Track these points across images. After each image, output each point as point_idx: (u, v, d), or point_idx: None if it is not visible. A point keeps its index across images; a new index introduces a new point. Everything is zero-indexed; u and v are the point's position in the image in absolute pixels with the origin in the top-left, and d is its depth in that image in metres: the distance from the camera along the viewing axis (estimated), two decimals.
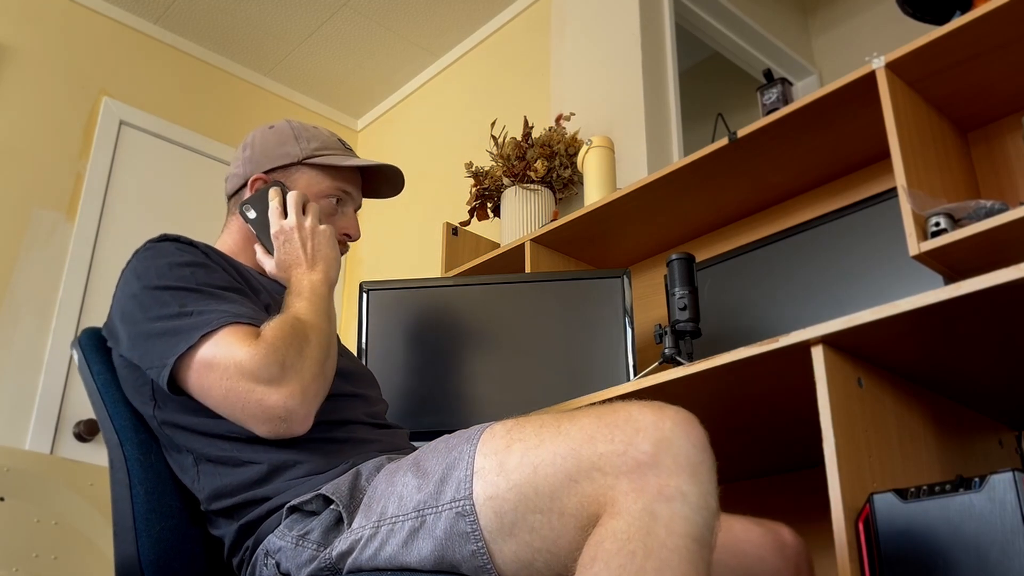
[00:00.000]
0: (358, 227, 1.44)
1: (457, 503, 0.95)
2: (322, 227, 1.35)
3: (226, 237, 1.41)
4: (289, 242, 1.32)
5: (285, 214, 1.34)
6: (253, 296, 1.24)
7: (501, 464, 0.94)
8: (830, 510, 1.17)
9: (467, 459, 0.97)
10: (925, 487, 1.12)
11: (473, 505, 0.94)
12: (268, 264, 1.33)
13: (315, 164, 1.40)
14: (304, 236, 1.33)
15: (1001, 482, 1.05)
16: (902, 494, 1.13)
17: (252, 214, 1.35)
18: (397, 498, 1.01)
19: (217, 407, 1.12)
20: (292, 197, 1.35)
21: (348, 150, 1.46)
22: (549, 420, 0.96)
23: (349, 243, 1.44)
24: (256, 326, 1.14)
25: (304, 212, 1.35)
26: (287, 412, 1.10)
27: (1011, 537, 1.02)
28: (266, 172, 1.39)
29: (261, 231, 1.34)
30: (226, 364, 1.10)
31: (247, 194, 1.39)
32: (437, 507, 0.97)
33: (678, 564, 0.83)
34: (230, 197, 1.44)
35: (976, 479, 1.07)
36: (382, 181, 1.51)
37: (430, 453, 1.04)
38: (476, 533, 0.93)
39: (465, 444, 0.99)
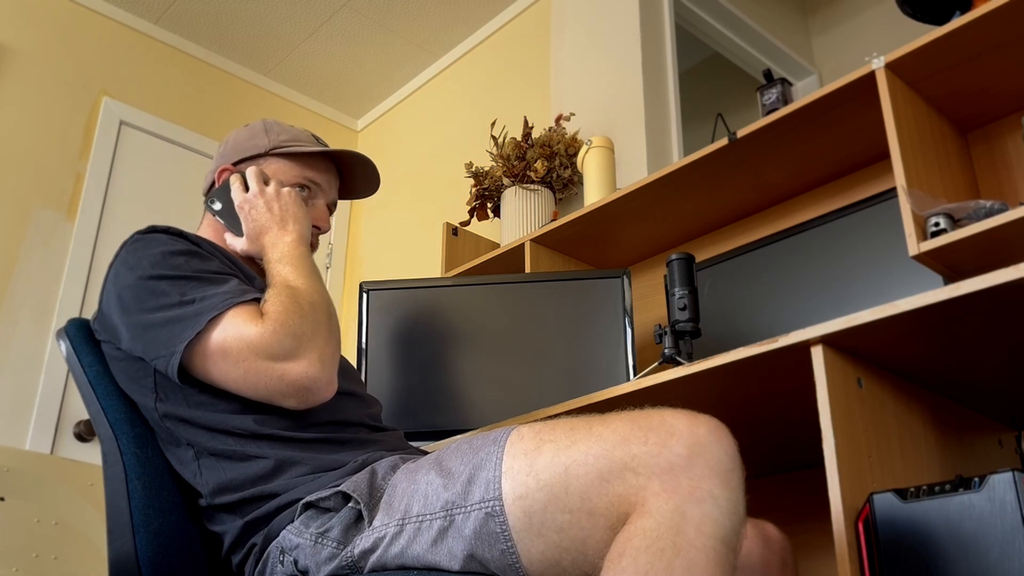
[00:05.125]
0: (328, 219, 1.42)
1: (487, 503, 0.95)
2: (285, 189, 1.35)
3: (200, 232, 1.40)
4: (255, 209, 1.31)
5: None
6: (247, 281, 1.24)
7: (531, 464, 0.95)
8: (830, 510, 1.17)
9: (495, 460, 0.98)
10: (925, 487, 1.12)
11: (502, 505, 0.94)
12: (239, 244, 1.32)
13: (282, 154, 1.40)
14: (268, 199, 1.32)
15: (1001, 482, 1.05)
16: (902, 494, 1.13)
17: (218, 205, 1.35)
18: (422, 497, 1.01)
19: (239, 389, 1.13)
20: (251, 171, 1.35)
21: (321, 144, 1.45)
22: (580, 423, 0.97)
23: (319, 236, 1.43)
24: (258, 303, 1.15)
25: (266, 183, 1.35)
26: (311, 381, 1.12)
27: (1011, 537, 1.02)
28: (234, 164, 1.40)
29: (228, 218, 1.34)
30: (239, 347, 1.10)
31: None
32: (465, 507, 0.97)
33: (705, 564, 0.83)
34: (205, 194, 1.44)
35: (976, 479, 1.07)
36: (357, 178, 1.50)
37: (453, 454, 1.04)
38: (506, 533, 0.94)
39: (492, 445, 1.00)
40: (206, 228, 1.39)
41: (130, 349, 1.18)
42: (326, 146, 1.45)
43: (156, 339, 1.14)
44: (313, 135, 1.46)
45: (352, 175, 1.50)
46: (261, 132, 1.42)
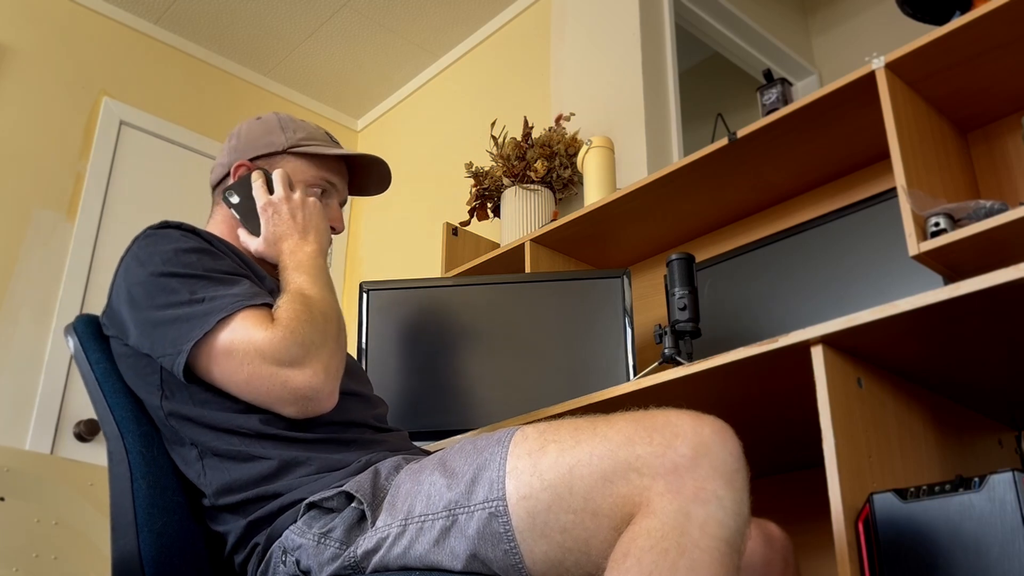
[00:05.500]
0: (343, 220, 1.42)
1: (490, 503, 0.95)
2: (311, 199, 1.35)
3: (211, 227, 1.39)
4: (278, 214, 1.31)
5: (271, 192, 1.34)
6: (258, 282, 1.23)
7: (535, 464, 0.95)
8: (830, 510, 1.17)
9: (499, 460, 0.97)
10: (925, 487, 1.12)
11: (506, 506, 0.94)
12: (253, 244, 1.31)
13: (300, 153, 1.39)
14: (293, 207, 1.32)
15: (1001, 482, 1.05)
16: (902, 494, 1.13)
17: (235, 199, 1.34)
18: (425, 497, 1.01)
19: (240, 392, 1.13)
20: (278, 174, 1.35)
21: (335, 143, 1.45)
22: (584, 423, 0.97)
23: (332, 236, 1.42)
24: (269, 308, 1.15)
25: (291, 188, 1.35)
26: (313, 391, 1.11)
27: (1011, 537, 1.02)
28: (250, 160, 1.39)
29: (245, 215, 1.33)
30: (246, 349, 1.10)
31: (231, 182, 1.38)
32: (469, 507, 0.97)
33: (709, 564, 0.83)
34: (215, 187, 1.43)
35: (976, 479, 1.07)
36: (369, 177, 1.50)
37: (456, 454, 1.04)
38: (509, 533, 0.94)
39: (496, 446, 0.99)
40: (218, 223, 1.38)
41: (137, 345, 1.18)
42: (340, 145, 1.45)
43: (164, 337, 1.14)
44: (326, 132, 1.46)
45: (363, 173, 1.49)
46: (277, 128, 1.41)
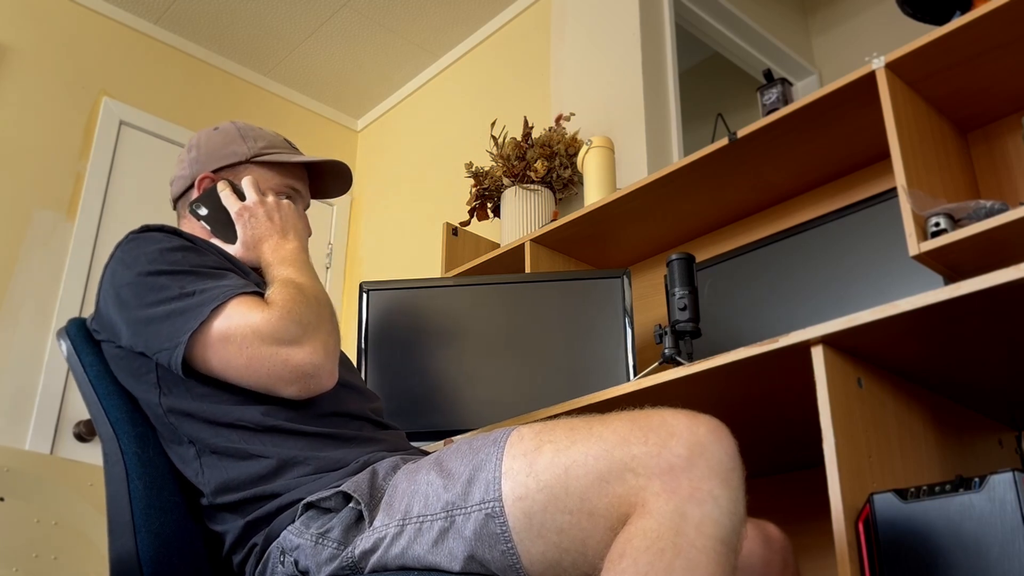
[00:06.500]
0: (308, 225, 1.43)
1: (487, 504, 0.95)
2: (284, 201, 1.36)
3: None
4: (255, 217, 1.32)
5: (241, 199, 1.34)
6: (244, 276, 1.24)
7: (531, 465, 0.95)
8: (830, 510, 1.17)
9: (495, 460, 0.97)
10: (925, 487, 1.12)
11: (502, 506, 0.94)
12: (230, 251, 1.32)
13: (263, 162, 1.40)
14: (269, 209, 1.33)
15: (1001, 482, 1.05)
16: (902, 494, 1.13)
17: (204, 211, 1.34)
18: (422, 497, 1.01)
19: (240, 377, 1.13)
20: (247, 180, 1.35)
21: (294, 149, 1.46)
22: (580, 423, 0.97)
23: None
24: (260, 296, 1.16)
25: (262, 193, 1.35)
26: (314, 368, 1.13)
27: (1011, 537, 1.02)
28: (214, 171, 1.39)
29: (216, 225, 1.34)
30: (244, 333, 1.11)
31: (195, 194, 1.38)
32: (466, 508, 0.97)
33: (706, 565, 0.83)
34: (176, 200, 1.43)
35: (976, 479, 1.07)
36: (330, 179, 1.50)
37: (453, 454, 1.04)
38: (506, 534, 0.94)
39: (492, 446, 1.00)
40: (189, 231, 1.38)
41: (131, 345, 1.19)
42: (299, 150, 1.47)
43: (158, 333, 1.14)
44: (285, 138, 1.47)
45: (324, 177, 1.50)
46: (237, 138, 1.41)
